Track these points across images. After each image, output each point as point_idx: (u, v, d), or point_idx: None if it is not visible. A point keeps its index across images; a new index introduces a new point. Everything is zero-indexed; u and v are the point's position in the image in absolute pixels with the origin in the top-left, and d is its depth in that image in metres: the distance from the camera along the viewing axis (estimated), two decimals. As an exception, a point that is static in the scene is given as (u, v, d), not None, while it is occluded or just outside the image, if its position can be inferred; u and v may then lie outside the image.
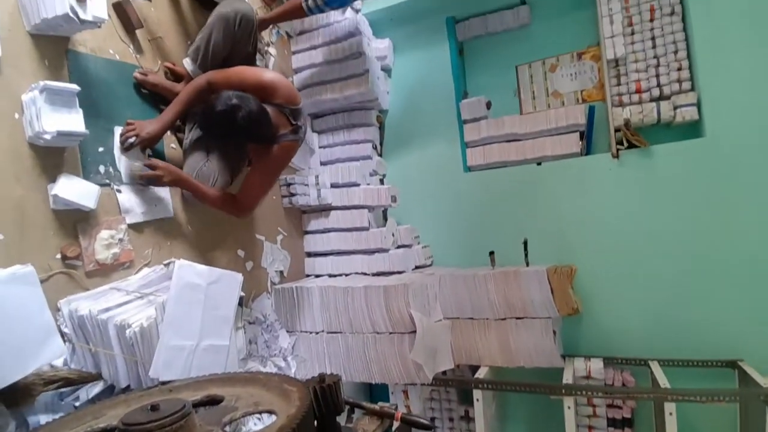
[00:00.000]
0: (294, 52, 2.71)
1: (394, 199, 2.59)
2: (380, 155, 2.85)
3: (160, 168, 1.65)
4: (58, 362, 1.34)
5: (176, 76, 1.88)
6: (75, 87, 1.40)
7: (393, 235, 2.54)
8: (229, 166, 1.87)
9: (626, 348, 2.30)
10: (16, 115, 1.37)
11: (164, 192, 1.81)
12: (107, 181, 1.60)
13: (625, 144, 2.31)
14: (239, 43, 1.80)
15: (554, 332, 2.17)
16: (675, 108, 2.24)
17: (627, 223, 2.31)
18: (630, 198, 2.31)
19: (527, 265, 2.41)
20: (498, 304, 2.24)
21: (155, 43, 1.85)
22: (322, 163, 2.75)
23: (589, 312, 2.34)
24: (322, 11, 2.27)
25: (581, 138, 2.44)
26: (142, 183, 1.69)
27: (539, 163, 2.51)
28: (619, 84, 2.38)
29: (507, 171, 2.58)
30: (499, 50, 2.74)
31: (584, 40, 2.53)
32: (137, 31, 1.75)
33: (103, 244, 1.56)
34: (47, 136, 1.35)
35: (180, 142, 1.90)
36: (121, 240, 1.62)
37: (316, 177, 2.52)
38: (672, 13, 2.29)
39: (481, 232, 2.62)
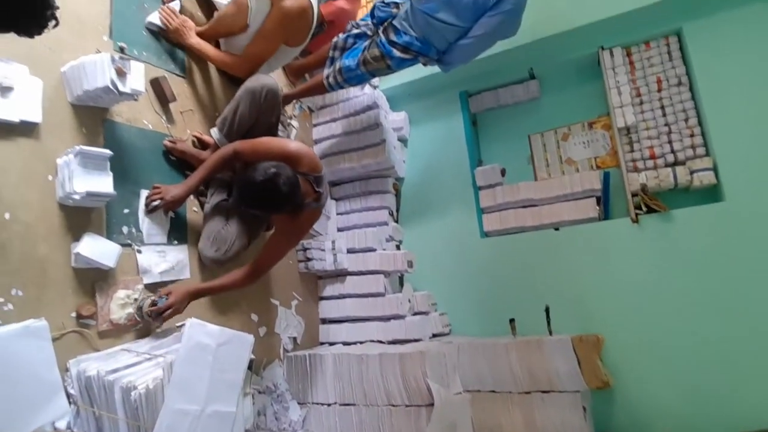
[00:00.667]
0: (315, 125, 2.87)
1: (410, 264, 2.57)
2: (396, 221, 2.88)
3: (174, 301, 1.62)
4: (61, 424, 1.29)
5: (203, 144, 1.99)
6: (107, 151, 1.49)
7: (409, 301, 2.49)
8: (247, 231, 1.90)
9: (662, 425, 2.11)
10: (50, 177, 1.45)
11: (182, 254, 1.84)
12: (129, 241, 1.65)
13: (644, 209, 2.29)
14: (264, 114, 1.91)
15: (584, 408, 2.01)
16: (691, 173, 2.24)
17: (651, 289, 2.23)
18: (652, 263, 2.24)
19: (550, 333, 2.31)
20: (521, 376, 2.12)
21: (186, 115, 1.98)
22: (339, 229, 2.78)
23: (619, 386, 2.18)
24: (342, 87, 2.44)
25: (598, 203, 2.43)
26: (156, 321, 1.62)
27: (557, 228, 2.49)
28: (632, 150, 2.41)
29: (524, 236, 2.56)
30: (512, 121, 2.84)
31: (594, 110, 2.61)
32: (170, 104, 1.89)
33: (119, 304, 1.56)
34: (77, 196, 1.41)
35: (202, 206, 1.97)
36: (136, 300, 1.62)
37: (333, 242, 2.54)
38: (679, 84, 2.37)
39: (500, 299, 2.54)
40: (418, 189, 2.93)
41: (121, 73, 1.50)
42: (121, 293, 1.58)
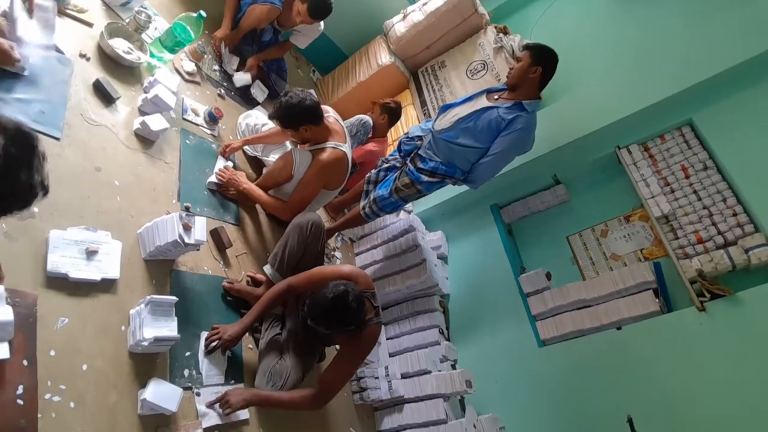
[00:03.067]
0: (357, 254, 3.02)
1: (469, 384, 2.44)
2: (448, 339, 2.81)
3: (231, 400, 1.69)
4: None
5: (256, 282, 2.13)
6: (174, 298, 1.63)
7: (474, 426, 2.31)
8: (301, 363, 1.92)
9: None
10: (123, 328, 1.58)
11: (240, 398, 1.85)
12: (189, 384, 1.69)
13: (707, 295, 2.17)
14: (310, 245, 2.08)
15: None
16: (746, 251, 2.16)
17: (740, 381, 1.99)
18: (730, 351, 2.05)
19: (641, 448, 2.04)
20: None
21: (241, 258, 2.16)
22: (391, 354, 2.73)
23: None
24: (378, 216, 2.64)
25: (656, 295, 2.32)
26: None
27: (619, 328, 2.35)
28: (676, 237, 2.37)
29: (585, 340, 2.43)
30: (546, 225, 2.90)
31: (627, 204, 2.65)
32: (227, 250, 2.08)
33: (179, 451, 1.55)
34: (145, 343, 1.52)
35: (256, 342, 2.03)
36: (196, 446, 1.60)
37: (386, 368, 2.48)
38: (705, 168, 2.41)
39: (574, 413, 2.32)
40: (465, 304, 2.91)
41: (187, 228, 1.71)
42: (181, 439, 1.58)
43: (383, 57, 3.44)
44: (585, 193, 2.83)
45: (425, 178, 2.42)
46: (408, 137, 2.61)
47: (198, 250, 1.85)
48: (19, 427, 1.21)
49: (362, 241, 3.05)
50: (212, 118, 2.38)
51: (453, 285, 3.00)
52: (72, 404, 1.35)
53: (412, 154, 2.53)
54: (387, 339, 2.80)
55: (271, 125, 2.57)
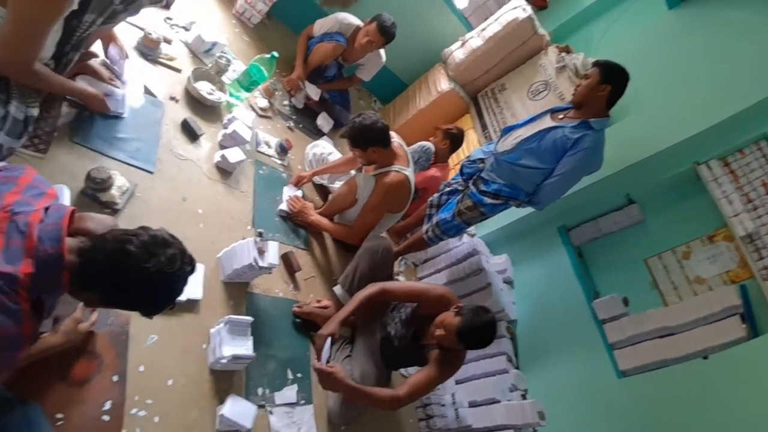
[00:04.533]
0: (420, 278, 3.02)
1: (541, 416, 2.32)
2: (517, 368, 2.70)
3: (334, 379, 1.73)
4: None
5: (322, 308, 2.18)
6: (250, 318, 1.73)
7: (548, 461, 2.18)
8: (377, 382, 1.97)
9: None
10: (204, 346, 1.68)
11: (308, 414, 1.89)
12: (263, 402, 1.76)
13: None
14: (380, 269, 2.12)
15: None
16: None
17: None
18: None
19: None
20: None
21: (309, 281, 2.25)
22: (457, 382, 2.66)
23: None
24: (441, 239, 2.63)
25: (743, 320, 2.11)
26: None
27: (705, 357, 2.15)
28: (761, 258, 2.16)
29: (670, 371, 2.23)
30: (620, 247, 2.74)
31: (710, 224, 2.46)
32: (296, 273, 2.18)
33: (253, 469, 1.61)
34: (224, 360, 1.61)
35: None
36: (268, 465, 1.65)
37: (453, 395, 2.43)
38: (790, 184, 2.20)
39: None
40: (534, 330, 2.80)
41: (261, 252, 1.81)
42: (255, 457, 1.63)
43: (442, 84, 3.50)
44: (661, 213, 2.66)
45: (488, 201, 2.40)
46: (470, 160, 2.61)
47: (270, 273, 1.95)
48: None
49: (425, 265, 3.05)
50: (283, 149, 2.54)
51: (520, 310, 2.90)
52: (156, 419, 1.45)
53: (474, 177, 2.53)
54: (452, 365, 2.74)
55: (337, 154, 2.69)
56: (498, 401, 2.39)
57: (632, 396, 2.30)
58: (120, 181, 1.66)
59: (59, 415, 1.23)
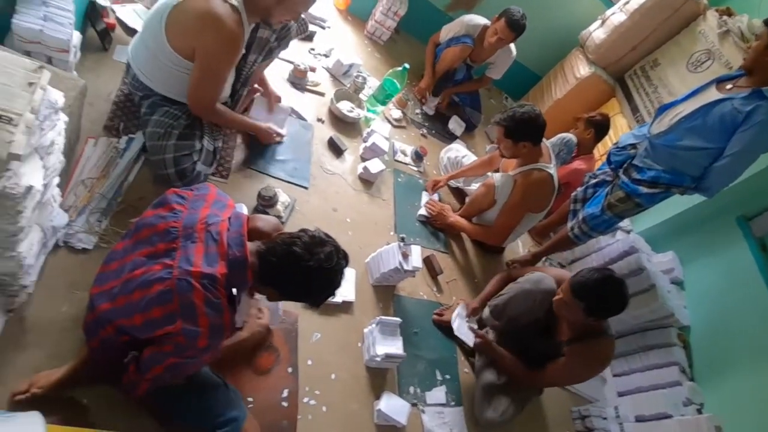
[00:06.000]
0: (569, 280, 2.81)
1: (725, 435, 1.98)
2: (692, 379, 2.34)
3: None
4: None
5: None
6: (398, 319, 1.82)
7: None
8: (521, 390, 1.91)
9: None
10: (359, 344, 1.82)
11: (459, 415, 1.90)
12: (415, 401, 1.82)
13: None
14: (532, 312, 1.89)
15: None
16: None
17: None
18: None
19: None
20: None
21: (451, 284, 2.27)
22: (620, 394, 2.42)
23: None
24: (589, 237, 2.42)
25: None
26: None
27: None
28: None
29: None
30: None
31: None
32: (438, 276, 2.22)
33: (411, 464, 1.67)
34: (378, 359, 1.71)
35: (472, 366, 2.06)
36: (424, 462, 1.70)
37: (616, 408, 2.22)
38: None
39: None
40: (711, 337, 2.40)
41: (405, 256, 1.90)
42: (411, 453, 1.70)
43: (581, 69, 3.25)
44: None
45: (644, 190, 2.14)
46: (618, 147, 2.36)
47: (414, 276, 2.03)
48: (282, 427, 1.46)
49: (574, 266, 2.84)
50: (418, 156, 2.62)
51: (694, 315, 2.51)
52: (324, 408, 1.60)
53: (624, 165, 2.28)
54: (614, 376, 2.50)
55: (471, 157, 2.68)
56: (669, 416, 2.12)
57: None
58: (283, 197, 1.90)
59: (249, 399, 1.45)
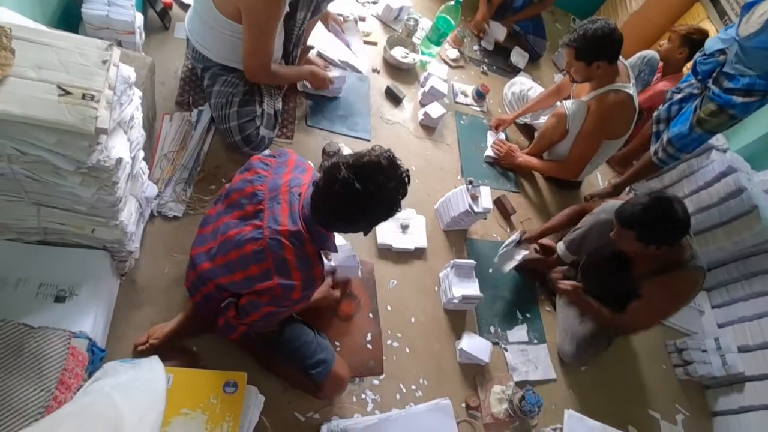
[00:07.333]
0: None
1: None
2: (807, 306, 2.13)
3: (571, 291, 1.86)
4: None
5: (544, 250, 2.09)
6: (473, 261, 1.81)
7: None
8: (604, 329, 1.83)
9: None
10: (436, 288, 1.85)
11: (543, 352, 1.89)
12: (496, 340, 1.84)
13: None
14: (610, 244, 1.70)
15: None
16: None
17: None
18: None
19: None
20: None
21: (525, 223, 2.21)
22: (720, 325, 2.27)
23: None
24: (676, 159, 2.21)
25: None
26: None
27: None
28: None
29: None
30: None
31: None
32: (511, 217, 2.16)
33: (496, 398, 1.71)
34: (455, 301, 1.74)
35: (553, 305, 2.02)
36: (509, 396, 1.73)
37: (716, 340, 2.08)
38: None
39: None
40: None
41: (474, 198, 1.86)
42: (497, 388, 1.73)
43: (660, -27, 2.87)
44: None
45: (738, 99, 1.89)
46: (704, 55, 2.08)
47: (485, 218, 1.99)
48: (369, 367, 1.56)
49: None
50: (480, 95, 2.50)
51: (808, 237, 2.24)
52: (407, 349, 1.67)
53: (713, 74, 2.02)
54: (712, 308, 2.34)
55: (538, 89, 2.51)
56: (779, 345, 1.95)
57: None
58: (346, 151, 1.92)
59: (336, 343, 1.54)
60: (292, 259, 1.08)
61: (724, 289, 2.33)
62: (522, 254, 1.94)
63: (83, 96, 0.85)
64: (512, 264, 1.94)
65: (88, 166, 0.91)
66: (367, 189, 1.00)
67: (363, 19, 2.48)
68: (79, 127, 0.83)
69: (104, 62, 0.90)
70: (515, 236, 1.94)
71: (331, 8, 2.26)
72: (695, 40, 2.45)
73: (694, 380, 2.12)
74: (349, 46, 2.24)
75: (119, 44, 1.53)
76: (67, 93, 0.84)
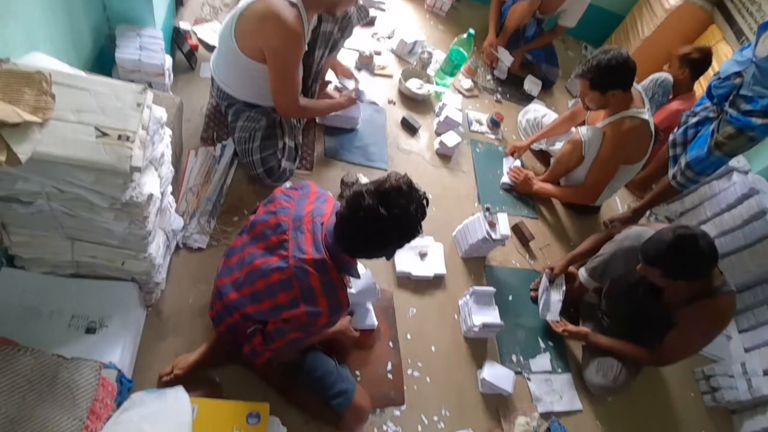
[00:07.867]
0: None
1: None
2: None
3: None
4: None
5: (567, 277, 2.06)
6: (492, 289, 1.80)
7: None
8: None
9: None
10: (455, 316, 1.84)
11: (567, 382, 1.85)
12: (519, 369, 1.81)
13: None
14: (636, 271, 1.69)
15: None
16: None
17: None
18: None
19: None
20: None
21: (545, 249, 2.20)
22: (747, 350, 2.19)
23: None
24: (695, 182, 2.21)
25: None
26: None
27: None
28: None
29: None
30: None
31: None
32: (530, 243, 2.16)
33: (521, 430, 1.66)
34: (476, 329, 1.72)
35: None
36: (534, 428, 1.69)
37: (743, 365, 2.01)
38: None
39: None
40: None
41: (492, 225, 1.87)
42: (521, 419, 1.69)
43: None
44: None
45: (758, 122, 1.88)
46: (719, 78, 2.09)
47: (504, 245, 1.99)
48: (390, 398, 1.55)
49: (684, 218, 2.58)
50: (494, 123, 2.54)
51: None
52: (428, 379, 1.65)
53: (730, 97, 2.01)
54: (739, 332, 2.27)
55: (552, 115, 2.54)
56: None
57: None
58: (364, 180, 1.96)
59: (357, 372, 1.54)
60: (317, 286, 1.10)
61: (750, 312, 2.26)
62: (561, 294, 1.93)
63: (119, 137, 0.90)
64: (557, 308, 1.91)
65: (121, 203, 0.95)
66: (392, 213, 1.04)
67: (378, 54, 2.57)
68: (115, 166, 0.88)
69: (138, 105, 0.95)
70: (544, 280, 1.94)
71: (349, 45, 2.35)
72: (693, 59, 2.47)
73: (721, 407, 2.04)
74: (359, 97, 2.20)
75: (150, 85, 1.61)
76: (105, 134, 0.90)
